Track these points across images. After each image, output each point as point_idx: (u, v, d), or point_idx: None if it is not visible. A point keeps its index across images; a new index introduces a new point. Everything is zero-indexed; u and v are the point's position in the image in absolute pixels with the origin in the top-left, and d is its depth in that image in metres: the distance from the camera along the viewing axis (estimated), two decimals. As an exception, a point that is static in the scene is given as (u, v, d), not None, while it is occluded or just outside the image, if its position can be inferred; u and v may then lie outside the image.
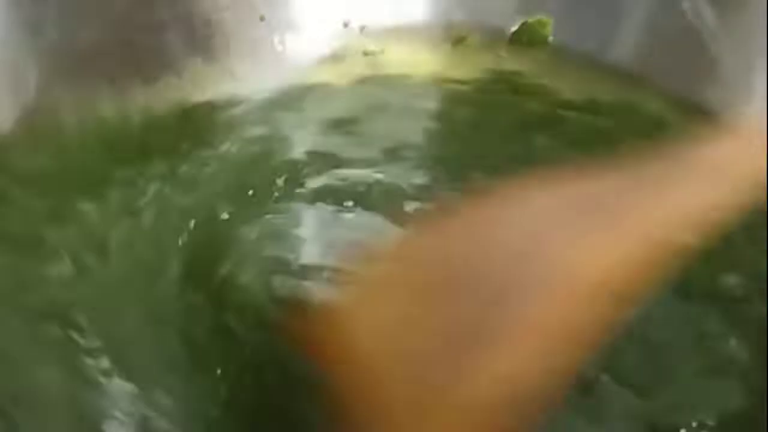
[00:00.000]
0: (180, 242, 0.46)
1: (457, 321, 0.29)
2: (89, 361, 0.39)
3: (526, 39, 0.56)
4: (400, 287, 0.31)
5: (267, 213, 0.48)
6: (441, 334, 0.29)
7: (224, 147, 0.52)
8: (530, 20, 0.56)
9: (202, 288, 0.43)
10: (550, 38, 0.56)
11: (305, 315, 0.36)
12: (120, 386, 0.39)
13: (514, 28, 0.57)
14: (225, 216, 0.48)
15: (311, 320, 0.33)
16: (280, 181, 0.50)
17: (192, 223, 0.47)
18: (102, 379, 0.39)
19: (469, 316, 0.29)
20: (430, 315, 0.29)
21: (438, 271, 0.31)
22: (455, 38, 0.57)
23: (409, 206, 0.48)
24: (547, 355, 0.28)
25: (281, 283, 0.44)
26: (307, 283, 0.43)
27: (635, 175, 0.31)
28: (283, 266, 0.45)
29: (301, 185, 0.50)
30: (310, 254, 0.46)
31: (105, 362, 0.39)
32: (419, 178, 0.50)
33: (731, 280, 0.44)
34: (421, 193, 0.49)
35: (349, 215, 0.48)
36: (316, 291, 0.42)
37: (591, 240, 0.30)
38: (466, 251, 0.30)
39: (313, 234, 0.48)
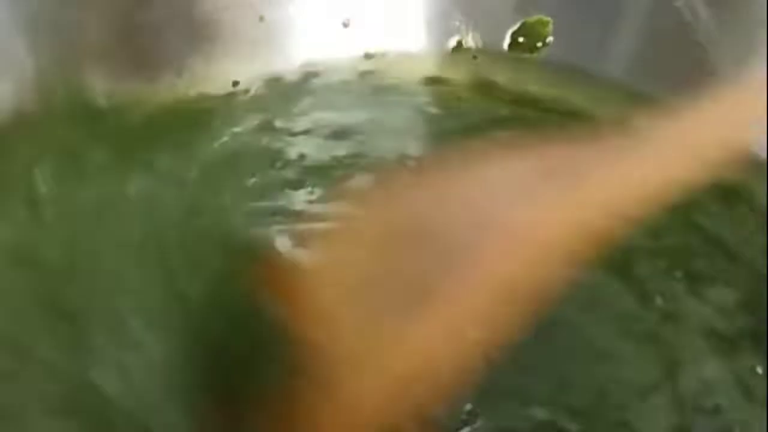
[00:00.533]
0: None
1: (412, 276, 0.30)
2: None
3: (525, 39, 0.56)
4: (361, 242, 0.32)
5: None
6: (396, 288, 0.30)
7: (224, 147, 0.52)
8: (530, 20, 0.56)
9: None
10: (550, 38, 0.56)
11: (275, 265, 0.38)
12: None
13: (513, 28, 0.56)
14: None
15: (280, 270, 0.36)
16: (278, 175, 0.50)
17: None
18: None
19: (423, 272, 0.30)
20: (387, 269, 0.31)
21: (398, 226, 0.32)
22: (455, 38, 0.57)
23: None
24: (491, 313, 0.30)
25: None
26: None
27: (598, 146, 0.31)
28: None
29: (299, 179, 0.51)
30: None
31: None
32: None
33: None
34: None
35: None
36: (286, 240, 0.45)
37: (548, 203, 0.30)
38: (426, 208, 0.32)
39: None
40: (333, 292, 0.32)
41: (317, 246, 0.35)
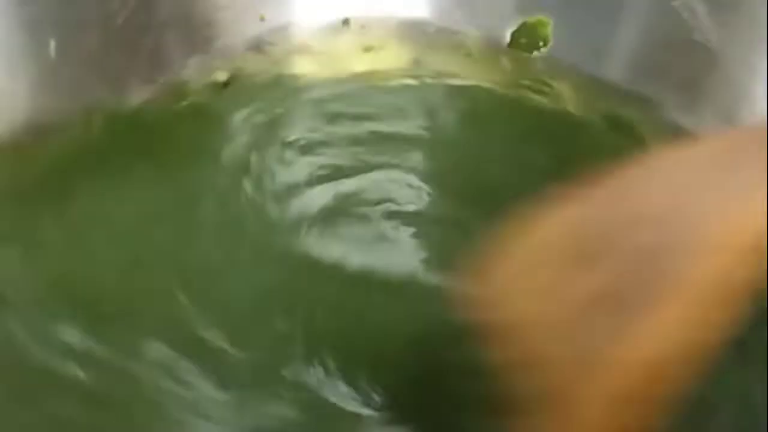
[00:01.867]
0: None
1: (606, 286, 0.29)
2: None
3: (525, 39, 0.56)
4: (550, 255, 0.31)
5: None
6: (590, 300, 0.29)
7: (224, 146, 0.52)
8: (530, 20, 0.56)
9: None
10: (550, 39, 0.56)
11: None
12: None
13: (514, 28, 0.56)
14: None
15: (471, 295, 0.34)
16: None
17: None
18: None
19: (617, 281, 0.29)
20: (578, 282, 0.30)
21: (585, 238, 0.31)
22: (455, 38, 0.57)
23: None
24: (696, 320, 0.28)
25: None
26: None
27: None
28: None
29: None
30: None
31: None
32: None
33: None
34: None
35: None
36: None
37: (728, 204, 0.29)
38: (607, 219, 0.31)
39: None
40: (526, 308, 0.31)
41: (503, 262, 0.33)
